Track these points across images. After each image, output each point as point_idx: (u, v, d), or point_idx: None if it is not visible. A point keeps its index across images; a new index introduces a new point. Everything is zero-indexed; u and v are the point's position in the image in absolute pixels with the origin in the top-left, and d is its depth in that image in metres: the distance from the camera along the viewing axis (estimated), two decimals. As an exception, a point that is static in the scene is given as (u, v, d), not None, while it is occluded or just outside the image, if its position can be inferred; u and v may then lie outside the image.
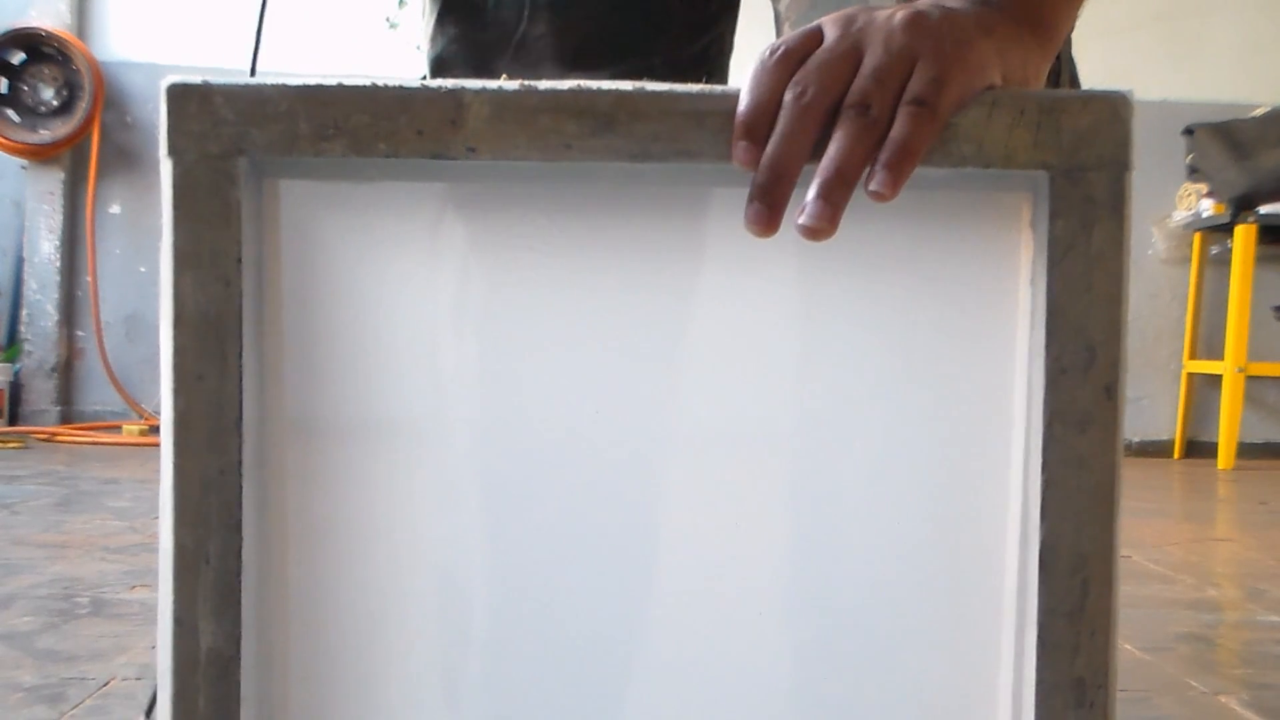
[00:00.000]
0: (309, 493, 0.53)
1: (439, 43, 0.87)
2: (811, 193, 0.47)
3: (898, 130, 0.48)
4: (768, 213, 0.47)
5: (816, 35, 0.50)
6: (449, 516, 0.55)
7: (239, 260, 0.49)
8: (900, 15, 0.50)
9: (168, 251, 0.49)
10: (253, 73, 0.70)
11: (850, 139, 0.48)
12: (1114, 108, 0.50)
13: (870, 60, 0.49)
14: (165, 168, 0.49)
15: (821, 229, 0.47)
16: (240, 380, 0.50)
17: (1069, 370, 0.50)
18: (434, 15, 0.88)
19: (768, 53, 0.49)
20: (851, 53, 0.49)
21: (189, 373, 0.49)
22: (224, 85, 0.49)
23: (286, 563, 0.53)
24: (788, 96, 0.48)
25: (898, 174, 0.47)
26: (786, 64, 0.49)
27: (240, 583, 0.50)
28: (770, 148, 0.48)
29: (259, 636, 0.53)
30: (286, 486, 0.53)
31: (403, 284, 0.54)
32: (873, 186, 0.47)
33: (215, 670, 0.50)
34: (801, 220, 0.47)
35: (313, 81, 0.49)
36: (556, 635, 0.55)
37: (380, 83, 0.49)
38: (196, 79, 0.49)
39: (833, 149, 0.48)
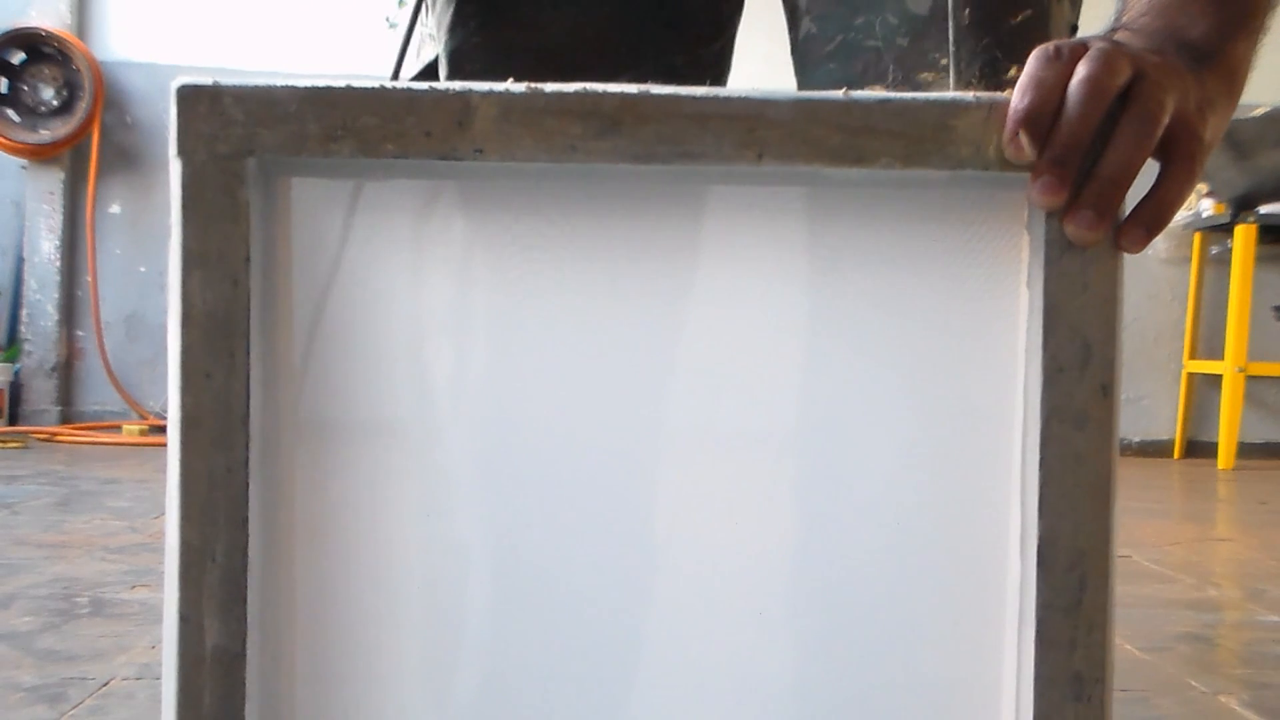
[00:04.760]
0: (316, 490, 0.54)
1: (458, 34, 0.85)
2: (1088, 197, 0.49)
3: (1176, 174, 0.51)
4: (1057, 183, 0.49)
5: (1082, 45, 0.51)
6: (457, 515, 0.55)
7: (247, 259, 0.50)
8: (1160, 58, 0.52)
9: (176, 250, 0.50)
10: (395, 76, 0.70)
11: (1133, 146, 0.50)
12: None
13: (1173, 86, 0.51)
14: (175, 167, 0.50)
15: (1096, 238, 0.49)
16: (248, 378, 0.50)
17: (1066, 368, 0.50)
18: (451, 7, 0.86)
19: (1051, 50, 0.51)
20: (1132, 59, 0.51)
21: (197, 371, 0.50)
22: (233, 86, 0.49)
23: (293, 560, 0.54)
24: (1081, 76, 0.49)
25: (1162, 225, 0.51)
26: (1071, 61, 0.50)
27: (246, 580, 0.50)
28: (1065, 125, 0.49)
29: (265, 634, 0.53)
30: (293, 484, 0.53)
31: (410, 283, 0.54)
32: (1136, 234, 0.50)
33: (221, 667, 0.50)
34: (1074, 227, 0.49)
35: (321, 83, 0.49)
36: (562, 634, 0.55)
37: (389, 84, 0.49)
38: (206, 80, 0.50)
39: (1120, 148, 0.50)
